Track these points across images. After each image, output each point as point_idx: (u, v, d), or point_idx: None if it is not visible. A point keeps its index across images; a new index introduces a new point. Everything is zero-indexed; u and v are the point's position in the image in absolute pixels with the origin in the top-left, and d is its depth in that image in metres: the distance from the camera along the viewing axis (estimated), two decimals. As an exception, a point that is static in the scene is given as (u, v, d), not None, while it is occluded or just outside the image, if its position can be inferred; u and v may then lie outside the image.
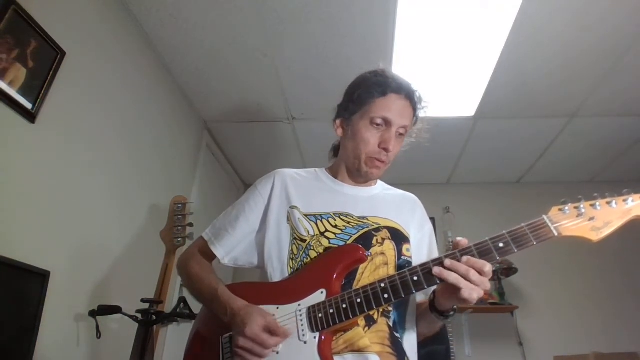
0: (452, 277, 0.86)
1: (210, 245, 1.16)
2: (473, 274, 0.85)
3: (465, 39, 2.21)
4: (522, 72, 2.47)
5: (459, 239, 0.92)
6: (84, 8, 1.81)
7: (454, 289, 0.86)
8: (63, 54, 1.64)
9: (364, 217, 1.11)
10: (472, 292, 0.85)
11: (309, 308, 0.95)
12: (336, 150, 1.30)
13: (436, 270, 0.88)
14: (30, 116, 1.49)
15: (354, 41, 2.27)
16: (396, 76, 1.15)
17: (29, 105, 1.48)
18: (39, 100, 1.52)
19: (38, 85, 1.53)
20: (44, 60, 1.56)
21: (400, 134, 1.13)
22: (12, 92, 1.42)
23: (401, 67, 2.41)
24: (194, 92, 2.74)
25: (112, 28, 2.00)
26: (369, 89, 1.12)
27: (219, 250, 1.15)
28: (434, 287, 0.96)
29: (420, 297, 1.11)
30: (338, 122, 1.20)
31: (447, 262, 0.88)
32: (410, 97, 1.13)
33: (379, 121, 1.10)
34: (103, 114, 1.93)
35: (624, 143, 3.22)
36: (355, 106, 1.14)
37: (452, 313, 0.98)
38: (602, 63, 2.39)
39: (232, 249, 1.16)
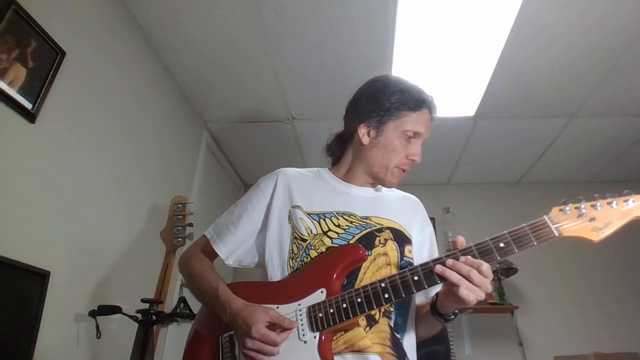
0: (454, 277, 0.86)
1: (212, 243, 1.16)
2: (475, 275, 0.85)
3: (465, 39, 2.21)
4: (522, 72, 2.47)
5: (460, 238, 0.92)
6: (83, 8, 1.81)
7: (454, 290, 0.86)
8: (63, 54, 1.64)
9: (367, 217, 1.11)
10: (472, 293, 0.85)
11: (309, 307, 0.95)
12: (331, 149, 1.29)
13: (438, 268, 0.88)
14: (30, 116, 1.49)
15: (354, 41, 2.27)
16: (427, 92, 1.18)
17: (29, 105, 1.48)
18: (39, 100, 1.52)
19: (38, 85, 1.53)
20: (44, 60, 1.56)
21: None
22: (12, 92, 1.42)
23: (401, 67, 2.41)
24: (194, 92, 2.74)
25: (112, 28, 2.00)
26: (405, 101, 1.13)
27: (221, 249, 1.15)
28: (435, 289, 0.96)
29: (420, 299, 1.11)
30: (364, 129, 1.16)
31: (450, 261, 0.88)
32: (433, 113, 1.18)
33: (410, 134, 1.13)
34: (103, 114, 1.93)
35: (624, 143, 3.22)
36: (387, 116, 1.14)
37: (452, 317, 0.98)
38: (602, 63, 2.39)
39: (235, 248, 1.16)
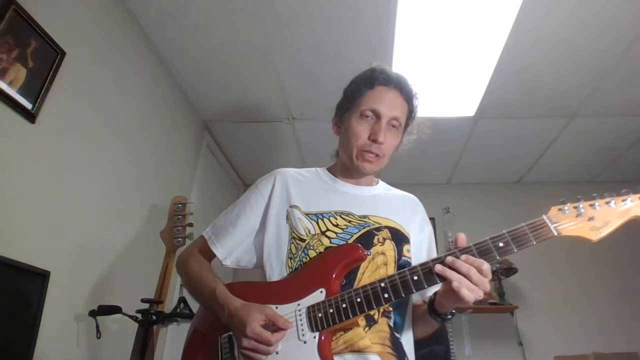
0: (454, 276, 0.86)
1: (210, 244, 1.16)
2: (474, 273, 0.85)
3: (465, 39, 2.21)
4: (522, 72, 2.47)
5: (461, 236, 0.91)
6: (83, 8, 1.81)
7: (454, 289, 0.86)
8: (63, 54, 1.64)
9: (365, 217, 1.11)
10: (471, 292, 0.84)
11: (308, 308, 0.95)
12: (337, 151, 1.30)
13: (438, 267, 0.88)
14: (30, 116, 1.49)
15: (354, 41, 2.27)
16: (387, 70, 1.16)
17: (29, 105, 1.48)
18: (39, 100, 1.52)
19: (38, 85, 1.53)
20: (44, 60, 1.56)
21: (394, 126, 1.12)
22: (12, 92, 1.42)
23: (401, 67, 2.40)
24: (194, 91, 2.74)
25: (112, 28, 2.00)
26: (359, 84, 1.15)
27: (219, 250, 1.15)
28: (433, 288, 0.96)
29: (416, 299, 1.11)
30: (334, 120, 1.23)
31: (449, 259, 0.88)
32: (400, 89, 1.13)
33: (368, 113, 1.11)
34: (103, 114, 1.93)
35: (624, 143, 3.22)
36: (347, 103, 1.17)
37: (450, 316, 0.98)
38: (602, 63, 2.39)
39: (233, 249, 1.15)
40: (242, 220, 1.16)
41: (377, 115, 1.10)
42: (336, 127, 1.22)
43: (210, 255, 1.17)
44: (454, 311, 0.98)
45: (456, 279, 0.85)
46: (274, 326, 0.93)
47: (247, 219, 1.16)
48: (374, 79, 1.13)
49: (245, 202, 1.19)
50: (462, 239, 0.91)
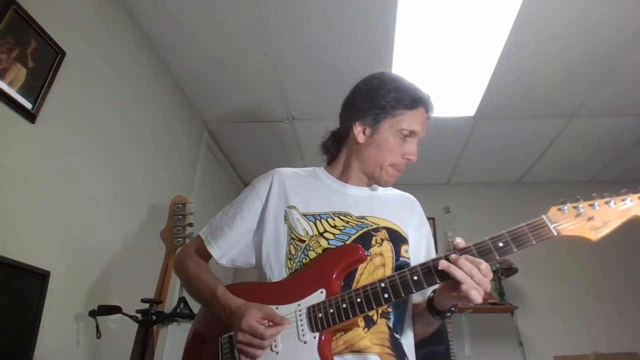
0: (458, 273, 0.85)
1: (206, 244, 1.16)
2: (476, 272, 0.85)
3: (465, 39, 2.21)
4: (522, 72, 2.47)
5: (457, 240, 0.91)
6: (83, 8, 1.82)
7: (455, 287, 0.86)
8: (63, 54, 1.64)
9: (363, 217, 1.10)
10: (475, 290, 0.84)
11: (308, 308, 0.95)
12: (326, 147, 1.28)
13: (444, 264, 0.87)
14: (30, 116, 1.49)
15: (354, 41, 2.27)
16: (426, 93, 1.17)
17: (29, 105, 1.48)
18: (39, 100, 1.53)
19: (38, 85, 1.53)
20: (44, 60, 1.56)
21: None
22: (12, 92, 1.42)
23: (401, 67, 2.41)
24: (194, 92, 2.74)
25: (112, 28, 2.00)
26: (401, 100, 1.12)
27: (215, 250, 1.15)
28: (433, 288, 0.96)
29: (417, 298, 1.11)
30: (359, 127, 1.15)
31: (453, 256, 0.87)
32: (429, 111, 1.17)
33: (406, 133, 1.12)
34: (103, 114, 1.93)
35: (624, 143, 3.22)
36: (383, 114, 1.12)
37: (449, 314, 0.98)
38: (602, 63, 2.39)
39: (228, 249, 1.15)
40: (238, 220, 1.16)
41: (413, 135, 1.13)
42: (362, 134, 1.15)
43: (207, 255, 1.16)
44: (453, 309, 0.97)
45: (459, 276, 0.84)
46: (271, 323, 0.93)
47: (243, 219, 1.16)
48: (418, 101, 1.13)
49: (242, 202, 1.18)
50: (462, 245, 0.91)
